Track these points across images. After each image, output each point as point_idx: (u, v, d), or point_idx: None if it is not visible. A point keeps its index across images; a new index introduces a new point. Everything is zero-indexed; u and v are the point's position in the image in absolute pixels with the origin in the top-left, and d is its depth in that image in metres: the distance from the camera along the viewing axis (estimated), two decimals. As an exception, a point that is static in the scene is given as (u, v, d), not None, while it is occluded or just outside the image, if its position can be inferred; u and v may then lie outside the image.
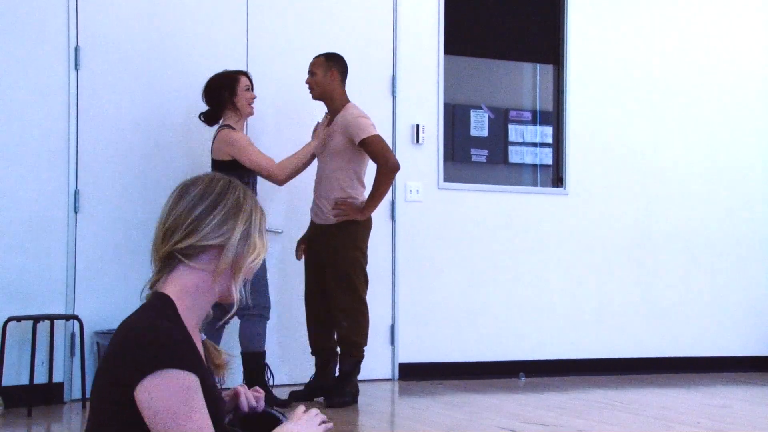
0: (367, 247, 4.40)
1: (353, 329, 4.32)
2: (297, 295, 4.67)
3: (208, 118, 4.43)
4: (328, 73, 4.37)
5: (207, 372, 1.55)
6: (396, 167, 4.30)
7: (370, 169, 4.38)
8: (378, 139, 4.28)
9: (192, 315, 1.58)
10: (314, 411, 1.65)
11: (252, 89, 4.42)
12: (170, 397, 1.41)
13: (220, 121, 4.39)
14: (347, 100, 4.40)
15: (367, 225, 4.38)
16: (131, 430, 1.45)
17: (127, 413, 1.44)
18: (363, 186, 4.38)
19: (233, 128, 4.32)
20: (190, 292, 1.58)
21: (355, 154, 4.30)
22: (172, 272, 1.58)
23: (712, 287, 5.84)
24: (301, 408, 1.65)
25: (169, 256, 1.58)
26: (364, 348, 4.37)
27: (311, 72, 4.41)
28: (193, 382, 1.44)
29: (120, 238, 4.57)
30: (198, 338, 1.62)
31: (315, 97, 4.44)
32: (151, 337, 1.45)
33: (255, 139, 4.61)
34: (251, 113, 4.41)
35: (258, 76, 4.79)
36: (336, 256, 4.29)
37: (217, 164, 4.29)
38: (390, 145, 5.16)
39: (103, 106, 4.56)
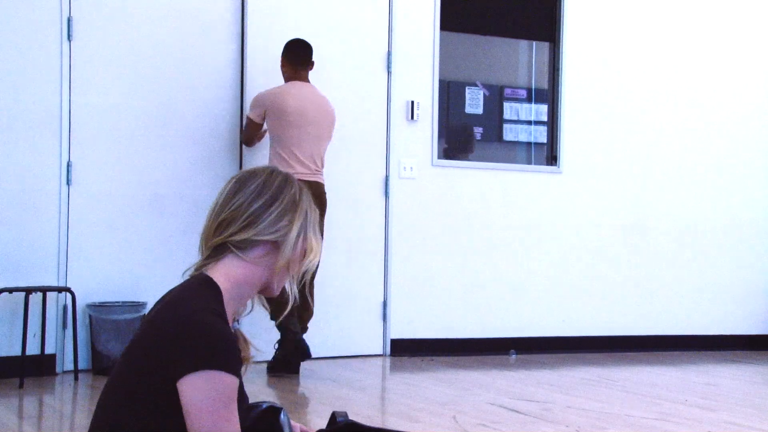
0: None
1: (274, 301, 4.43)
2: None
3: None
4: (281, 62, 4.55)
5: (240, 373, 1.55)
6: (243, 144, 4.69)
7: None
8: (248, 120, 4.54)
9: (233, 305, 1.58)
10: None
11: None
12: (215, 397, 1.42)
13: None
14: (302, 80, 4.53)
15: None
16: (159, 413, 1.46)
17: (162, 397, 1.45)
18: (282, 159, 4.37)
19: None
20: (237, 282, 1.57)
21: (272, 129, 4.45)
22: (221, 260, 1.58)
23: (703, 267, 5.87)
24: None
25: (221, 245, 1.58)
26: (282, 318, 4.37)
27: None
28: (235, 387, 1.46)
29: (113, 211, 4.56)
30: (231, 326, 1.62)
31: None
32: (208, 334, 1.45)
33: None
34: None
35: (254, 51, 4.77)
36: None
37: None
38: (384, 121, 5.17)
39: (96, 78, 4.53)
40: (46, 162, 4.42)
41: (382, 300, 5.17)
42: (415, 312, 5.22)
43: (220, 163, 4.80)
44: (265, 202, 1.59)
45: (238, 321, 1.66)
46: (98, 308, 4.41)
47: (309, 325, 4.59)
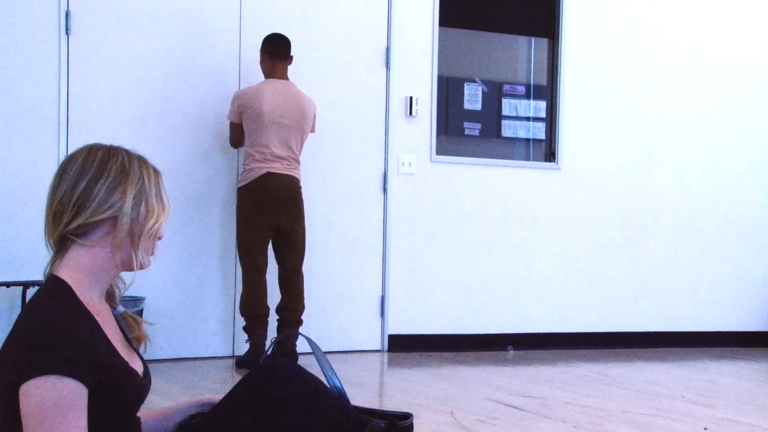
0: (247, 216, 4.47)
1: (241, 295, 4.55)
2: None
3: None
4: (261, 58, 4.56)
5: (110, 363, 1.47)
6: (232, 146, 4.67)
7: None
8: (229, 123, 4.56)
9: (94, 292, 1.53)
10: None
11: None
12: (42, 403, 1.36)
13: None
14: (280, 77, 4.54)
15: (244, 193, 4.48)
16: (16, 427, 1.42)
17: (16, 409, 1.41)
18: (254, 155, 4.42)
19: None
20: (87, 270, 1.51)
21: (247, 127, 4.48)
22: (67, 253, 1.52)
23: (701, 264, 5.87)
24: None
25: (62, 238, 1.52)
26: (250, 317, 4.45)
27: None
28: (71, 391, 1.37)
29: (110, 206, 4.55)
30: (107, 312, 1.57)
31: None
32: (38, 338, 1.39)
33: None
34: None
35: (252, 44, 4.75)
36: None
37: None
38: (383, 116, 5.16)
39: (95, 72, 4.52)
40: (43, 155, 4.41)
41: (381, 295, 5.17)
42: (413, 308, 5.22)
43: (217, 158, 4.80)
44: (90, 181, 1.51)
45: (116, 306, 1.60)
46: (96, 303, 4.40)
47: (305, 319, 4.60)
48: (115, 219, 1.51)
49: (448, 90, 5.44)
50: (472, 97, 5.52)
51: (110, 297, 1.62)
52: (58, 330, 1.40)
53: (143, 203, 1.54)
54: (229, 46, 4.79)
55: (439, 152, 5.31)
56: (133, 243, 1.53)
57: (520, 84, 5.68)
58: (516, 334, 5.40)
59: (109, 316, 1.58)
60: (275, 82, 4.51)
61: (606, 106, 5.67)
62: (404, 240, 5.20)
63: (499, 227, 5.41)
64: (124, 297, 4.90)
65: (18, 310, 4.19)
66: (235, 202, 4.62)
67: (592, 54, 5.64)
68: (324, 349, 5.50)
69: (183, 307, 4.72)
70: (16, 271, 4.29)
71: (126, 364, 1.51)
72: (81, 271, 1.52)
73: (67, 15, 4.44)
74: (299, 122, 4.52)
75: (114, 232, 1.51)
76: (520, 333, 5.42)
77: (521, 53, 5.80)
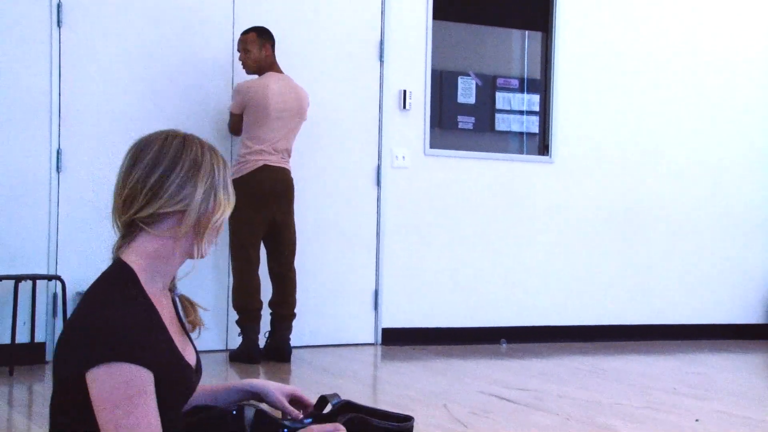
0: (242, 210, 4.42)
1: (234, 290, 4.54)
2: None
3: None
4: (262, 49, 4.51)
5: (170, 352, 1.50)
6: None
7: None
8: (230, 113, 4.56)
9: (157, 281, 1.55)
10: (330, 427, 1.57)
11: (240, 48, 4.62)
12: (114, 390, 1.40)
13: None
14: (277, 70, 4.55)
15: (238, 186, 4.40)
16: (76, 409, 1.46)
17: (75, 393, 1.44)
18: (252, 147, 4.43)
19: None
20: (152, 258, 1.53)
21: (249, 120, 4.47)
22: (134, 239, 1.53)
23: (694, 257, 5.89)
24: (314, 428, 1.57)
25: (131, 223, 1.53)
26: (244, 312, 4.45)
27: (246, 50, 4.53)
28: (140, 378, 1.42)
29: (103, 198, 4.53)
30: (167, 301, 1.59)
31: (250, 72, 4.58)
32: (106, 326, 1.42)
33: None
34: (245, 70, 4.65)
35: (244, 38, 4.73)
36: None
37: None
38: (376, 110, 5.15)
39: (87, 64, 4.50)
40: (35, 149, 4.39)
41: (374, 289, 5.17)
42: (407, 301, 5.22)
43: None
44: (164, 172, 1.51)
45: (174, 288, 1.62)
46: (89, 296, 4.38)
47: (298, 312, 4.60)
48: (183, 212, 1.52)
49: (442, 83, 5.44)
50: (466, 91, 5.52)
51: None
52: (125, 320, 1.43)
53: (212, 197, 1.54)
54: (222, 39, 4.77)
55: (432, 146, 5.31)
56: (197, 234, 1.54)
57: (514, 78, 5.68)
58: (509, 327, 5.41)
59: (169, 305, 1.60)
60: (279, 77, 4.52)
61: (599, 100, 5.68)
62: (398, 233, 5.20)
63: (492, 220, 5.42)
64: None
65: (10, 305, 4.18)
66: None
67: (585, 48, 5.64)
68: (318, 342, 5.52)
69: (176, 301, 4.71)
70: (7, 265, 4.27)
71: (182, 359, 1.54)
72: (146, 259, 1.53)
73: (58, 7, 4.41)
74: (297, 115, 4.55)
75: (180, 224, 1.52)
76: (514, 326, 5.43)
77: (515, 47, 5.80)
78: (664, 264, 5.81)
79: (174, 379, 1.50)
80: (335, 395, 1.74)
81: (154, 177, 1.51)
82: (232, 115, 4.57)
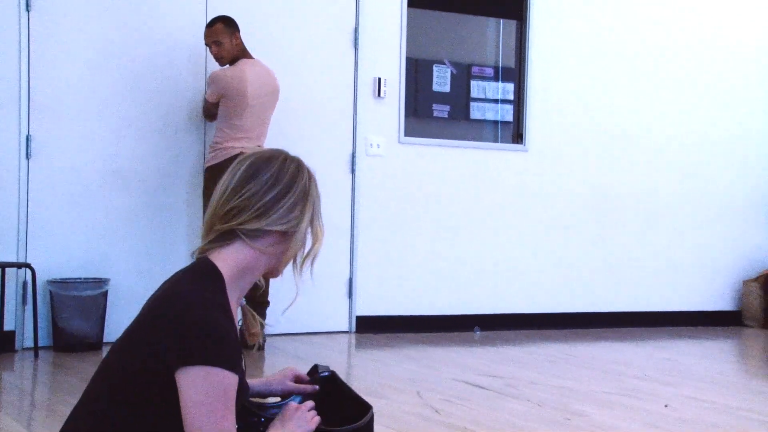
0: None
1: None
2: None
3: None
4: (233, 38, 4.48)
5: (242, 362, 1.55)
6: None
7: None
8: (205, 100, 4.56)
9: (236, 291, 1.58)
10: (308, 405, 1.65)
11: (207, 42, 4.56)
12: (212, 393, 1.42)
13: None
14: (249, 56, 4.54)
15: (213, 173, 4.38)
16: (150, 404, 1.46)
17: (154, 387, 1.44)
18: (229, 133, 4.42)
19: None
20: (242, 269, 1.57)
21: (226, 108, 4.45)
22: (228, 246, 1.56)
23: (666, 245, 5.95)
24: (293, 405, 1.64)
25: (229, 231, 1.56)
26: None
27: (217, 42, 4.47)
28: (233, 386, 1.45)
29: (74, 185, 4.48)
30: (236, 311, 1.62)
31: (225, 64, 4.52)
32: (207, 329, 1.44)
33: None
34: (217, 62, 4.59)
35: (217, 23, 4.68)
36: None
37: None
38: (351, 98, 5.13)
39: (56, 49, 4.43)
40: (4, 135, 4.32)
41: (348, 277, 5.16)
42: (381, 289, 5.22)
43: (183, 137, 4.74)
44: (279, 192, 1.57)
45: (242, 296, 1.65)
46: (59, 284, 4.34)
47: (272, 300, 4.58)
48: (284, 233, 1.58)
49: (417, 72, 5.43)
50: (441, 79, 5.52)
51: None
52: (225, 326, 1.46)
53: (314, 225, 1.63)
54: (196, 23, 4.71)
55: (407, 134, 5.31)
56: (289, 256, 1.62)
57: (489, 66, 5.68)
58: (483, 315, 5.43)
59: (236, 315, 1.62)
60: (252, 63, 4.51)
61: (573, 88, 5.70)
62: (372, 221, 5.20)
63: (467, 209, 5.43)
64: (86, 278, 4.81)
65: (-21, 292, 4.12)
66: (202, 183, 4.58)
67: (559, 37, 5.65)
68: (292, 330, 5.50)
69: (149, 290, 4.64)
70: (-24, 253, 4.21)
71: (244, 373, 1.57)
72: (236, 269, 1.56)
73: (28, -9, 4.34)
74: (272, 100, 4.56)
75: (282, 244, 1.59)
76: (487, 314, 5.46)
77: (490, 35, 5.80)
78: (636, 252, 5.87)
79: (242, 387, 1.54)
80: (326, 367, 1.85)
81: (270, 195, 1.56)
82: (207, 102, 4.55)
